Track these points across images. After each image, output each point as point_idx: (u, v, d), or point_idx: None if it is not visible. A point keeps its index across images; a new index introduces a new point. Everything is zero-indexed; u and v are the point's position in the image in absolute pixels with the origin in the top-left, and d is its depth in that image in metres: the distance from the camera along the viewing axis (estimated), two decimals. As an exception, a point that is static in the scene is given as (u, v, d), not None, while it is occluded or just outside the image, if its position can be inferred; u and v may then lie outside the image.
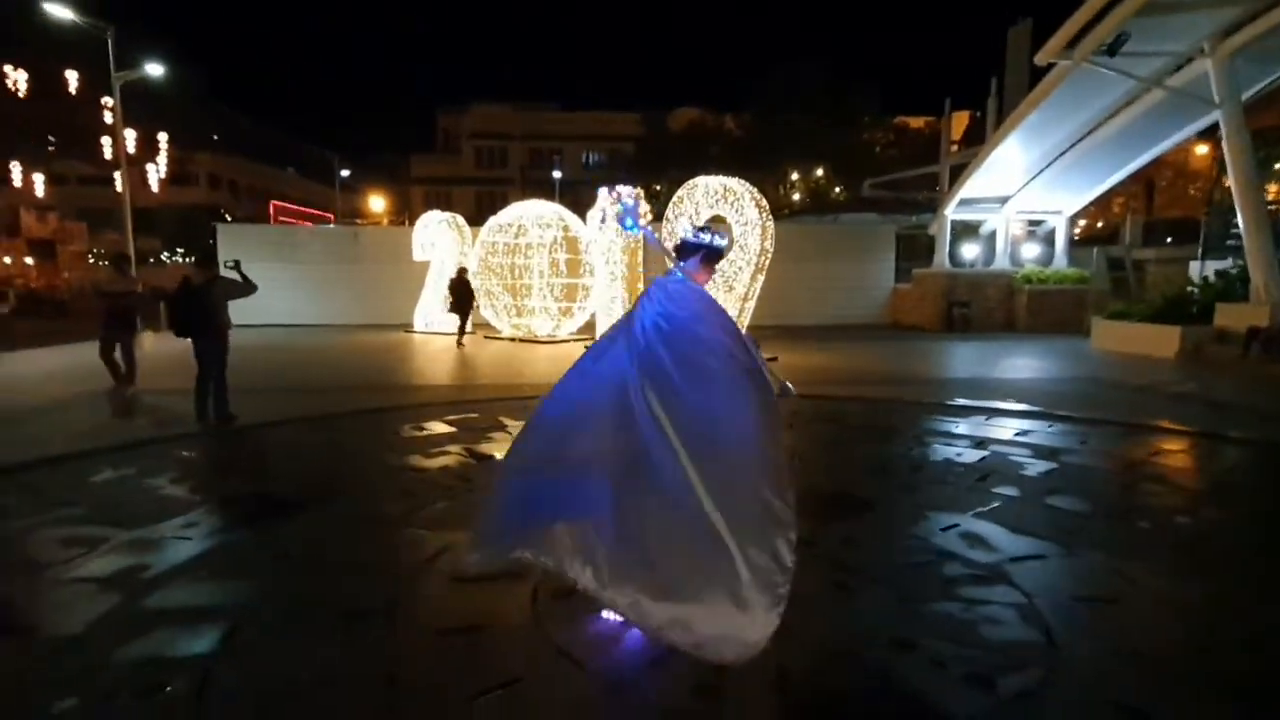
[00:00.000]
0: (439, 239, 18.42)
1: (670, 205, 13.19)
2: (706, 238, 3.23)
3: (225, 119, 54.83)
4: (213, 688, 2.68)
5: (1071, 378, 10.96)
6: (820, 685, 2.73)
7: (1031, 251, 20.10)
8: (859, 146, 39.21)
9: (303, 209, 38.87)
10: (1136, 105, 14.75)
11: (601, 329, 14.78)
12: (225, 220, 31.73)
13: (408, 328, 18.84)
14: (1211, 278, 14.76)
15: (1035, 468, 5.65)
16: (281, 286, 20.68)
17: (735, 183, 12.48)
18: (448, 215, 18.66)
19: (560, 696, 2.63)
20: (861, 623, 3.23)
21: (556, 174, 40.27)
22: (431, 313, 18.58)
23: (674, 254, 3.29)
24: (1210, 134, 19.04)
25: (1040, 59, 13.43)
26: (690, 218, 12.99)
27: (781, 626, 3.12)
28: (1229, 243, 16.31)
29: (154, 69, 14.65)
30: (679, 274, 3.19)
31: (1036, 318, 18.47)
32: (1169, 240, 25.05)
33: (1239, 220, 13.45)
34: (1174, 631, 3.16)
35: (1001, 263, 19.60)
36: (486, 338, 16.91)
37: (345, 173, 43.49)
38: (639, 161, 42.56)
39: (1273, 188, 25.00)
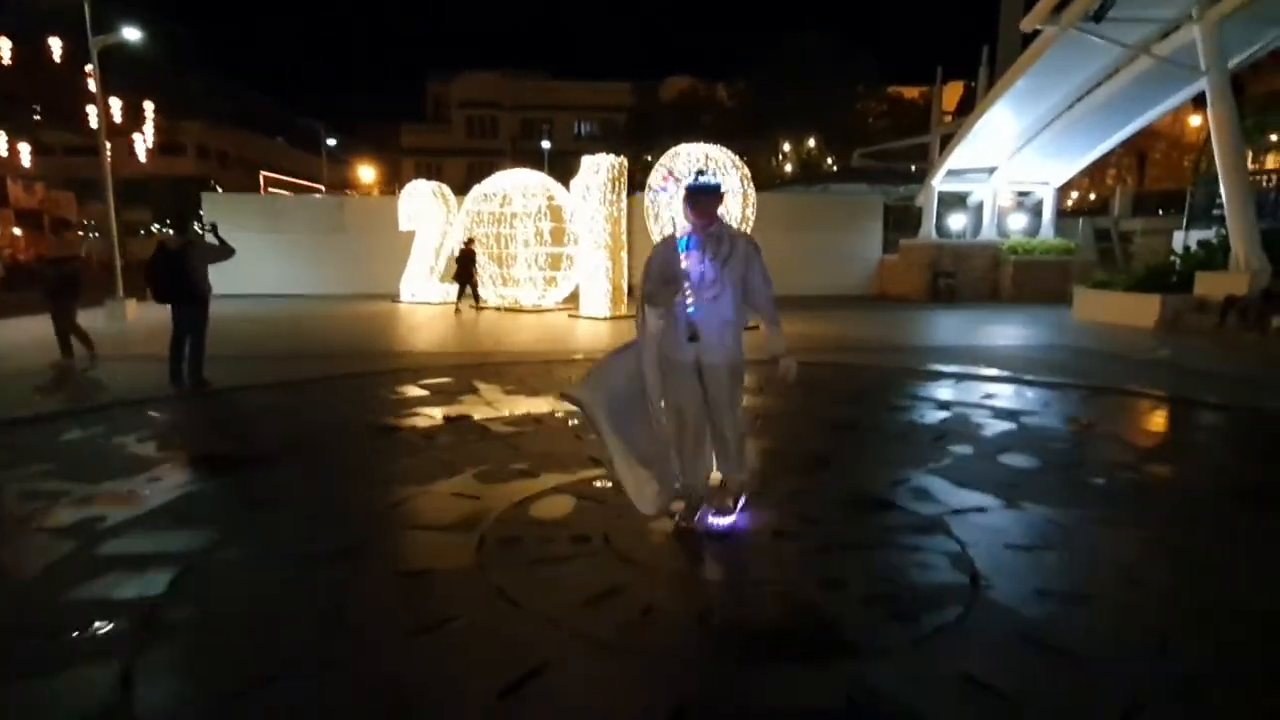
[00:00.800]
0: (424, 208, 18.33)
1: (652, 173, 13.16)
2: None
3: (213, 88, 54.04)
4: (154, 624, 2.76)
5: (1047, 345, 11.05)
6: (745, 619, 2.82)
7: (1019, 222, 20.08)
8: (852, 117, 38.91)
9: (293, 180, 38.55)
10: (1124, 73, 14.66)
11: (585, 299, 14.79)
12: (216, 191, 31.46)
13: (394, 298, 18.82)
14: (1194, 247, 14.80)
15: (993, 428, 5.75)
16: (267, 256, 20.60)
17: (716, 150, 12.45)
18: (433, 184, 18.56)
19: (495, 632, 2.72)
20: (796, 566, 3.32)
21: (545, 144, 39.92)
22: (418, 283, 18.55)
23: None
24: (1205, 103, 18.97)
25: (1026, 25, 13.33)
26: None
27: (714, 568, 3.26)
28: (1214, 212, 16.31)
29: (131, 33, 14.39)
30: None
31: (1021, 288, 18.53)
32: (1159, 212, 25.05)
33: (1222, 189, 13.46)
34: (1097, 575, 3.26)
35: (988, 233, 19.60)
36: (472, 308, 16.92)
37: (331, 141, 43.01)
38: (630, 132, 42.19)
39: (1271, 159, 24.96)
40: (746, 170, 12.37)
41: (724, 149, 12.58)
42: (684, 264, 3.35)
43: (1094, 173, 38.95)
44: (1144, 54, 13.75)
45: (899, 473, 4.60)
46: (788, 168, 40.83)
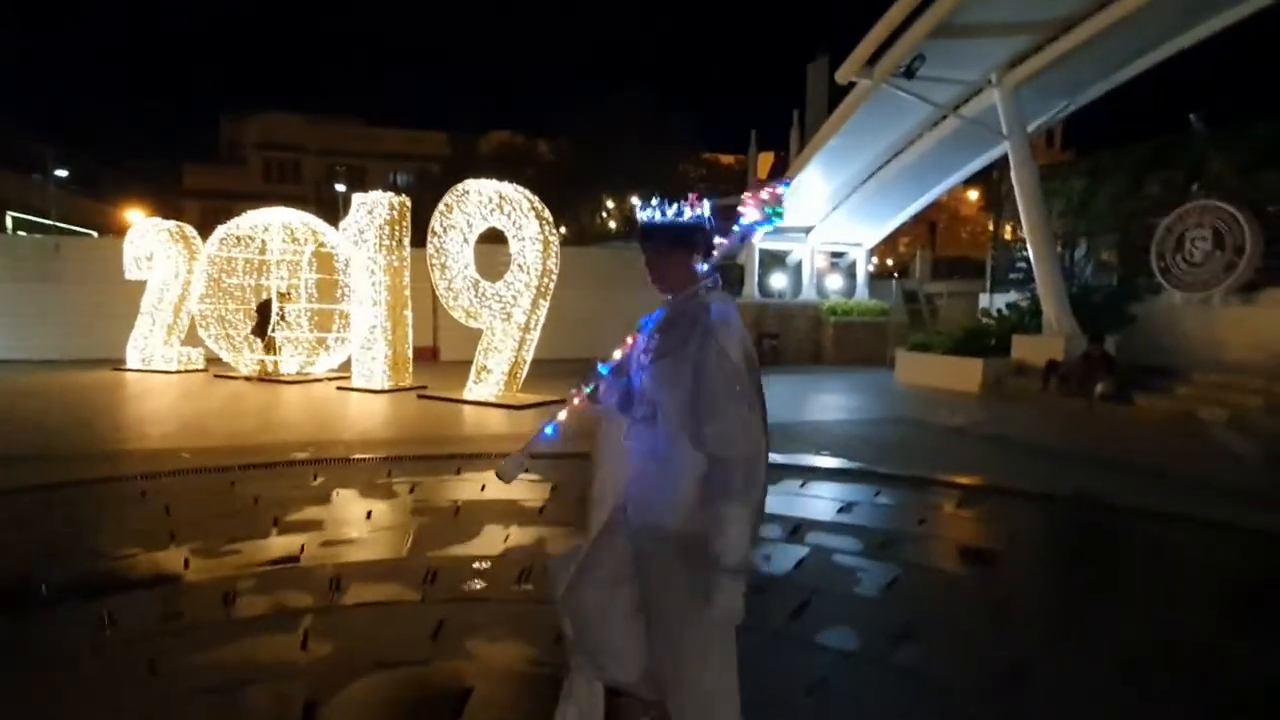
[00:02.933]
0: (158, 253, 14.66)
1: (436, 216, 10.84)
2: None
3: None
4: None
5: (882, 418, 9.91)
6: None
7: (835, 283, 19.93)
8: (672, 176, 39.08)
9: (55, 224, 32.38)
10: (932, 134, 14.60)
11: (358, 367, 11.99)
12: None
13: (119, 365, 14.80)
14: (1004, 309, 14.79)
15: (871, 578, 3.88)
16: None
17: (511, 189, 10.42)
18: (171, 224, 14.94)
19: None
20: None
21: (340, 187, 36.53)
22: (150, 345, 14.71)
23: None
24: (981, 178, 20.01)
25: (841, 76, 12.75)
26: (462, 230, 10.75)
27: None
28: (1012, 276, 16.72)
29: None
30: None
31: (842, 349, 18.09)
32: (955, 276, 26.42)
33: (1027, 253, 13.46)
34: None
35: (808, 293, 19.16)
36: (217, 376, 13.49)
37: (62, 172, 37.03)
38: (446, 182, 39.65)
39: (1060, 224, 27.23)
40: (547, 213, 10.42)
41: (521, 189, 10.56)
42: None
43: (891, 239, 41.89)
44: (951, 114, 13.66)
45: None
46: (612, 224, 40.11)
